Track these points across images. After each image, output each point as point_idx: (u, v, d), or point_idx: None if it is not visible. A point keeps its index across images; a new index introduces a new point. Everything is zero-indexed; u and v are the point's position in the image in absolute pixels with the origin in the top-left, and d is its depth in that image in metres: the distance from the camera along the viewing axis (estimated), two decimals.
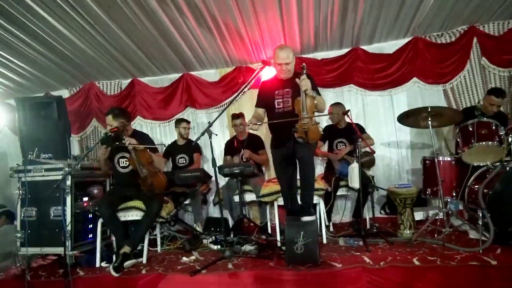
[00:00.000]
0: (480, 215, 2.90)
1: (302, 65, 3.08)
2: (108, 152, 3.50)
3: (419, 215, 3.96)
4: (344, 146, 4.31)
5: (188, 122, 5.01)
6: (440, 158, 3.55)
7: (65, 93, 5.66)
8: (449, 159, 3.60)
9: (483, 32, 4.73)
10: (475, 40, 4.73)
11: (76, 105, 5.54)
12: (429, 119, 3.33)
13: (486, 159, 3.28)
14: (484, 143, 3.13)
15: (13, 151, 5.77)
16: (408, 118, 3.57)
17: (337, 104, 4.52)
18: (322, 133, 3.13)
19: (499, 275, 2.52)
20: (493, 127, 3.16)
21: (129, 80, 5.57)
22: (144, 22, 4.01)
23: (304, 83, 2.94)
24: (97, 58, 4.82)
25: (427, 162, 3.70)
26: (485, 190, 3.01)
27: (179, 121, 4.99)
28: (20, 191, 3.45)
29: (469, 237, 3.26)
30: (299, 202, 3.29)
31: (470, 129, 3.21)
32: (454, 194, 3.51)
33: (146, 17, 3.93)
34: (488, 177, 3.05)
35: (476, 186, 3.20)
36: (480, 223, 2.90)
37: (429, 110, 3.29)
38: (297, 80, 3.00)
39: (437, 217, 3.44)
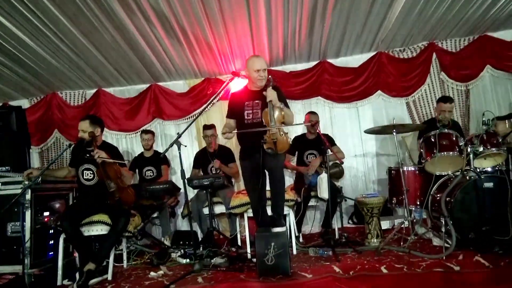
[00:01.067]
0: (443, 222, 3.02)
1: (269, 77, 3.13)
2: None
3: (385, 224, 4.07)
4: (314, 157, 4.36)
5: (151, 133, 4.89)
6: (405, 168, 3.67)
7: (25, 103, 5.41)
8: (413, 169, 3.73)
9: (441, 48, 5.00)
10: (434, 55, 4.99)
11: (36, 116, 5.29)
12: (394, 130, 3.45)
13: (447, 169, 3.42)
14: (445, 153, 3.27)
15: None
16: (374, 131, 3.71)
17: (313, 113, 4.59)
18: (291, 143, 3.12)
19: (462, 280, 2.60)
20: (454, 138, 3.31)
21: (94, 90, 5.39)
22: (111, 31, 3.91)
23: (270, 94, 3.00)
24: (60, 68, 4.64)
25: (392, 172, 3.81)
26: (447, 199, 3.13)
27: (141, 133, 4.92)
28: None
29: (433, 244, 3.37)
30: (270, 213, 3.29)
31: (433, 140, 3.34)
32: (418, 203, 3.62)
33: (113, 27, 3.84)
34: (450, 186, 3.18)
35: (438, 195, 3.33)
36: (443, 231, 3.01)
37: (394, 124, 3.44)
38: (264, 92, 3.03)
39: (402, 226, 3.54)
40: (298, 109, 5.11)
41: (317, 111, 4.96)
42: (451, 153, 3.26)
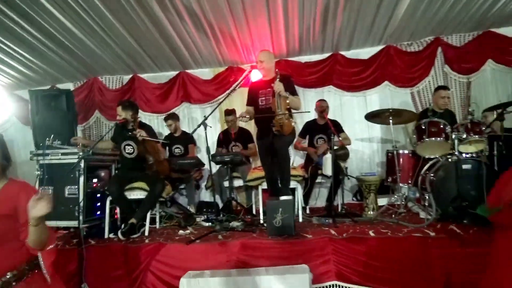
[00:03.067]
0: (427, 197, 3.55)
1: (276, 70, 3.73)
2: None
3: (383, 201, 4.59)
4: (323, 141, 4.88)
5: (170, 119, 5.31)
6: (400, 151, 4.19)
7: (70, 86, 6.13)
8: (406, 152, 4.24)
9: (446, 42, 5.37)
10: (439, 49, 5.38)
11: (80, 98, 6.01)
12: (390, 118, 3.97)
13: (435, 152, 3.92)
14: (433, 138, 3.76)
15: (20, 139, 6.27)
16: (374, 117, 4.21)
17: (323, 101, 5.10)
18: (294, 126, 3.73)
19: (436, 243, 3.14)
20: (441, 126, 3.78)
21: (130, 76, 6.09)
22: (146, 23, 4.51)
23: (277, 86, 3.56)
24: (101, 54, 5.31)
25: (389, 154, 4.31)
26: (431, 177, 3.65)
27: (165, 120, 5.41)
28: (39, 172, 3.97)
29: (420, 217, 3.90)
30: (279, 185, 3.90)
31: (423, 127, 3.83)
32: (410, 181, 4.14)
33: (149, 20, 4.44)
34: (435, 167, 3.69)
35: (426, 174, 3.85)
36: (427, 204, 3.54)
37: (391, 111, 3.94)
38: (272, 84, 3.60)
39: (397, 202, 4.09)
40: (312, 96, 5.63)
41: (328, 99, 5.45)
42: (438, 138, 3.75)
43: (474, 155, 3.75)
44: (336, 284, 3.20)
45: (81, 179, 3.90)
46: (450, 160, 3.60)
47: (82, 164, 3.88)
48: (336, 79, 5.59)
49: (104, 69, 5.87)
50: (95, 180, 4.21)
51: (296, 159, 5.54)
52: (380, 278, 3.14)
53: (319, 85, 5.66)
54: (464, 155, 3.73)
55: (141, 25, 4.56)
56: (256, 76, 4.99)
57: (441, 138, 3.73)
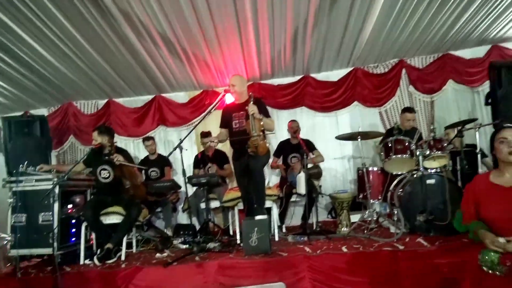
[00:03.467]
0: (396, 212, 3.71)
1: (250, 94, 3.86)
2: None
3: (356, 218, 4.73)
4: (297, 160, 5.04)
5: (152, 139, 5.57)
6: (370, 169, 4.38)
7: (43, 112, 6.10)
8: (376, 169, 4.43)
9: (409, 65, 5.71)
10: (403, 71, 5.70)
11: (54, 123, 5.99)
12: (359, 137, 4.17)
13: (402, 169, 4.12)
14: (399, 155, 3.96)
15: None
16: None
17: (294, 121, 5.28)
18: (268, 146, 3.86)
19: (405, 256, 3.28)
20: (406, 143, 4.00)
21: (105, 101, 6.13)
22: (121, 50, 4.62)
23: (251, 108, 3.69)
24: (76, 80, 5.34)
25: (359, 172, 4.50)
26: (399, 193, 3.83)
27: (143, 140, 5.59)
28: (12, 200, 3.92)
29: (391, 231, 4.05)
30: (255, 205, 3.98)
31: (390, 145, 4.03)
32: (379, 197, 4.32)
33: (124, 47, 4.55)
34: (402, 183, 3.88)
35: (394, 190, 4.03)
36: (396, 219, 3.71)
37: (359, 131, 4.16)
38: (246, 107, 3.74)
39: (369, 218, 4.24)
40: (285, 117, 5.81)
41: (301, 119, 5.65)
42: (404, 155, 3.96)
43: (438, 170, 3.97)
44: None
45: (56, 205, 3.87)
46: (415, 175, 3.80)
47: (56, 190, 3.87)
48: (308, 100, 5.81)
49: (78, 94, 5.90)
50: (70, 206, 4.19)
51: (272, 178, 5.67)
52: None
53: (291, 106, 5.86)
54: (429, 170, 3.94)
55: (116, 51, 4.65)
56: (230, 99, 5.13)
57: (407, 155, 3.94)
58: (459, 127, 4.03)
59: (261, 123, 3.77)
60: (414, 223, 3.69)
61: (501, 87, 4.15)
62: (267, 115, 3.96)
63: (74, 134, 6.05)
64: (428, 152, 3.87)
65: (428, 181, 3.68)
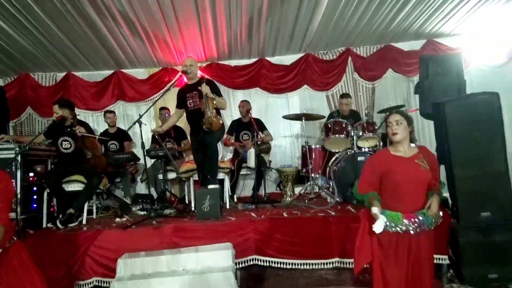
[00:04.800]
0: (331, 184, 4.29)
1: (201, 75, 4.23)
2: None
3: (300, 189, 5.29)
4: (248, 137, 5.49)
5: (113, 113, 5.82)
6: (313, 146, 4.92)
7: None
8: (318, 146, 4.98)
9: (355, 53, 6.25)
10: (350, 59, 6.23)
11: (10, 94, 5.98)
12: (304, 118, 4.68)
13: (339, 147, 4.71)
14: (337, 135, 4.53)
15: None
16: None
17: (246, 101, 5.70)
18: (221, 123, 4.25)
19: (335, 221, 3.86)
20: (344, 125, 4.57)
21: (64, 73, 6.19)
22: (82, 26, 4.70)
23: (204, 88, 4.06)
24: (34, 52, 5.36)
25: (303, 149, 5.03)
26: (334, 168, 4.41)
27: (105, 113, 5.81)
28: None
29: (328, 201, 4.64)
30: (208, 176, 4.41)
31: (329, 126, 4.58)
32: (320, 172, 4.89)
33: (84, 22, 4.63)
34: (338, 159, 4.46)
35: (331, 165, 4.61)
36: (331, 190, 4.28)
37: (304, 113, 4.66)
38: (199, 87, 4.11)
39: (311, 190, 4.80)
40: (240, 97, 6.20)
41: (255, 100, 6.10)
42: (341, 135, 4.53)
43: (369, 149, 4.57)
44: (255, 258, 3.79)
45: (18, 173, 4.08)
46: (349, 153, 4.38)
47: (19, 159, 4.06)
48: (262, 82, 6.23)
49: (36, 66, 5.91)
50: (31, 174, 4.39)
51: (228, 155, 6.10)
52: (291, 251, 3.79)
53: (247, 87, 6.27)
54: (362, 149, 4.53)
55: (76, 26, 4.73)
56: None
57: (343, 135, 4.51)
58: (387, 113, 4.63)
59: (214, 102, 4.15)
60: (346, 194, 4.29)
61: (427, 78, 4.76)
62: (219, 94, 4.35)
63: (32, 106, 6.09)
64: (361, 133, 4.45)
65: (359, 158, 4.27)
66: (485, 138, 3.72)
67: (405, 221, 2.40)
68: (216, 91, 4.30)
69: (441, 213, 2.50)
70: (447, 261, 3.78)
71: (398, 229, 2.41)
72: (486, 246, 3.65)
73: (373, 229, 2.34)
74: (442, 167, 3.77)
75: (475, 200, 3.73)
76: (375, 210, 2.39)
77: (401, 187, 2.45)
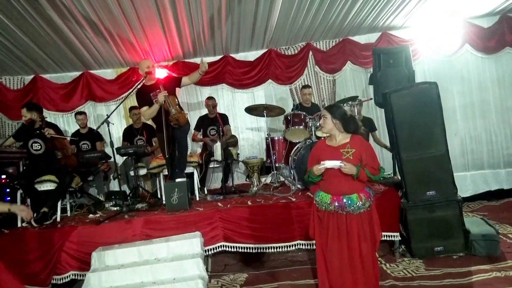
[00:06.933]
0: (292, 172, 4.61)
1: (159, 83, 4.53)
2: None
3: (267, 179, 5.60)
4: (215, 132, 5.75)
5: (84, 114, 5.91)
6: (276, 138, 5.23)
7: None
8: (280, 137, 5.29)
9: (315, 47, 6.56)
10: (310, 53, 6.53)
11: None
12: (265, 111, 4.97)
13: (299, 138, 5.02)
14: (296, 127, 4.85)
15: None
16: (252, 110, 5.20)
17: (211, 98, 5.95)
18: (187, 117, 4.56)
19: (295, 206, 4.19)
20: (302, 117, 4.89)
21: (31, 76, 6.26)
22: (46, 30, 4.76)
23: (162, 94, 4.30)
24: None
25: (267, 140, 5.33)
26: (294, 157, 4.73)
27: (75, 115, 5.91)
28: None
29: (291, 188, 4.96)
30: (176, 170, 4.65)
31: (289, 118, 4.89)
32: (283, 161, 5.20)
33: (48, 27, 4.69)
34: (298, 148, 4.78)
35: (292, 155, 4.93)
36: (291, 178, 4.60)
37: (265, 106, 4.94)
38: (157, 90, 4.36)
39: (275, 179, 5.11)
40: (208, 93, 6.45)
41: (222, 95, 6.35)
42: (300, 127, 4.85)
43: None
44: (223, 245, 4.09)
45: None
46: (307, 143, 4.70)
47: None
48: (228, 78, 6.48)
49: (3, 69, 5.95)
50: (3, 176, 4.53)
51: (197, 150, 6.35)
52: (257, 236, 4.11)
53: (214, 83, 6.50)
54: (322, 139, 4.85)
55: (40, 30, 4.79)
56: (159, 74, 5.66)
57: (301, 126, 4.83)
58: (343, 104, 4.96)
59: (176, 99, 4.38)
60: (305, 181, 4.61)
61: (380, 70, 5.10)
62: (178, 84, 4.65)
63: (0, 109, 6.14)
64: (318, 124, 4.77)
65: None
66: (427, 124, 4.13)
67: (331, 202, 2.80)
68: (174, 83, 4.64)
69: (368, 203, 2.84)
70: (399, 238, 4.19)
71: (329, 208, 2.81)
72: (431, 222, 4.09)
73: (322, 163, 2.76)
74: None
75: (420, 180, 4.16)
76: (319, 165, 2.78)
77: (327, 172, 2.83)
